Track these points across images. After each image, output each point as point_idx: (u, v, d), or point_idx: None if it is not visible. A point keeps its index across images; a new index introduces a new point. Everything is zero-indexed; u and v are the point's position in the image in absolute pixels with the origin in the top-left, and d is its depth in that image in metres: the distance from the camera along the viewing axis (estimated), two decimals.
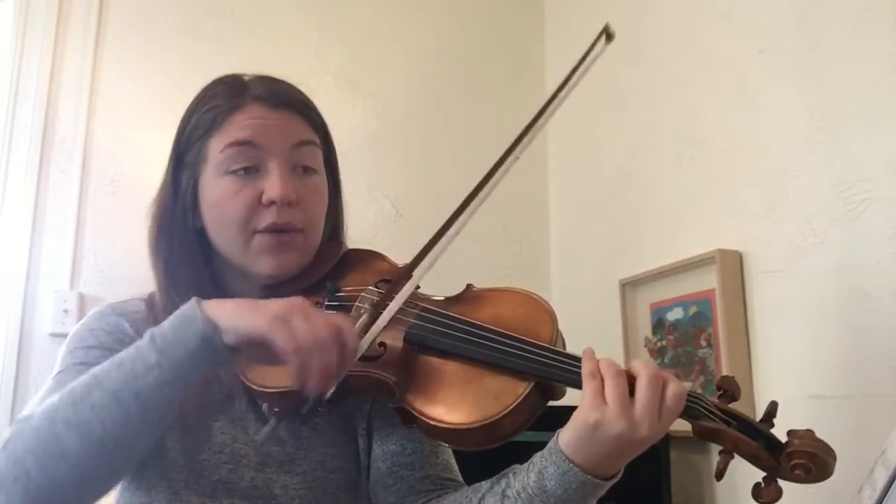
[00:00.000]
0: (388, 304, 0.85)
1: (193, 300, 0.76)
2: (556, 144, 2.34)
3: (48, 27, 1.94)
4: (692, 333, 1.60)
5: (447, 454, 0.97)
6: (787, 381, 1.37)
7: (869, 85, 1.27)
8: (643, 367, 0.76)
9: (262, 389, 0.87)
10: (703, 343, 1.56)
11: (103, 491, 0.78)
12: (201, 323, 0.74)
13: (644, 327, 1.77)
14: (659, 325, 1.72)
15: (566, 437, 0.77)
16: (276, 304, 0.75)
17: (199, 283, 0.92)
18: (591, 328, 1.89)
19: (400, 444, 0.94)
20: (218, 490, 0.87)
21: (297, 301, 0.76)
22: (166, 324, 0.76)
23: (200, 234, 0.96)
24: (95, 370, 0.76)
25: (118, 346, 0.83)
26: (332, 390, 0.76)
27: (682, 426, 1.67)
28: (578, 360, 0.79)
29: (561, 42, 2.38)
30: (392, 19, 2.31)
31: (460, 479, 0.95)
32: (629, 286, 1.82)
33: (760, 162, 1.49)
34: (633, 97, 1.94)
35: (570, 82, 0.87)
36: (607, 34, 0.90)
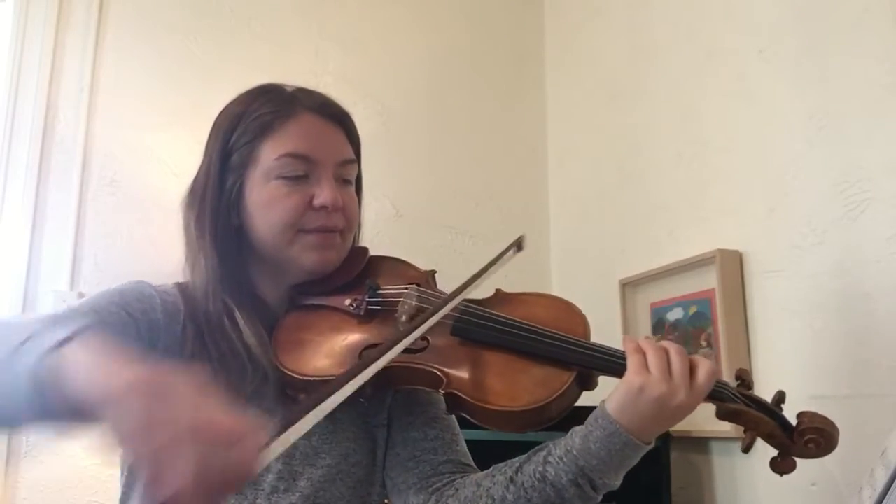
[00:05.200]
0: (423, 323, 0.86)
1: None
2: (556, 144, 2.35)
3: (48, 27, 1.93)
4: (692, 333, 1.60)
5: (464, 445, 1.01)
6: (787, 381, 1.37)
7: (869, 85, 1.27)
8: (671, 345, 0.86)
9: (304, 378, 0.91)
10: (703, 343, 1.56)
11: None
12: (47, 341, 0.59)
13: (644, 327, 1.77)
14: (659, 325, 1.72)
15: (612, 401, 0.84)
16: (142, 372, 0.55)
17: (237, 279, 0.98)
18: (592, 328, 1.88)
19: (422, 432, 0.98)
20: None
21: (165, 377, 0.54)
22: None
23: (239, 232, 0.99)
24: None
25: (139, 315, 0.88)
26: None
27: (681, 426, 1.67)
28: (614, 351, 0.89)
29: (561, 42, 2.38)
30: (392, 19, 2.31)
31: (477, 467, 0.99)
32: (629, 286, 1.82)
33: (760, 162, 1.49)
34: (634, 97, 1.94)
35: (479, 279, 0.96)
36: (518, 246, 1.05)
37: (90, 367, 0.56)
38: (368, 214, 2.09)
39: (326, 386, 0.67)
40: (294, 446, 0.91)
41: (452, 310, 0.92)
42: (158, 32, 2.05)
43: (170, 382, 0.53)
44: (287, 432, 0.60)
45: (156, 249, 1.86)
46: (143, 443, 0.50)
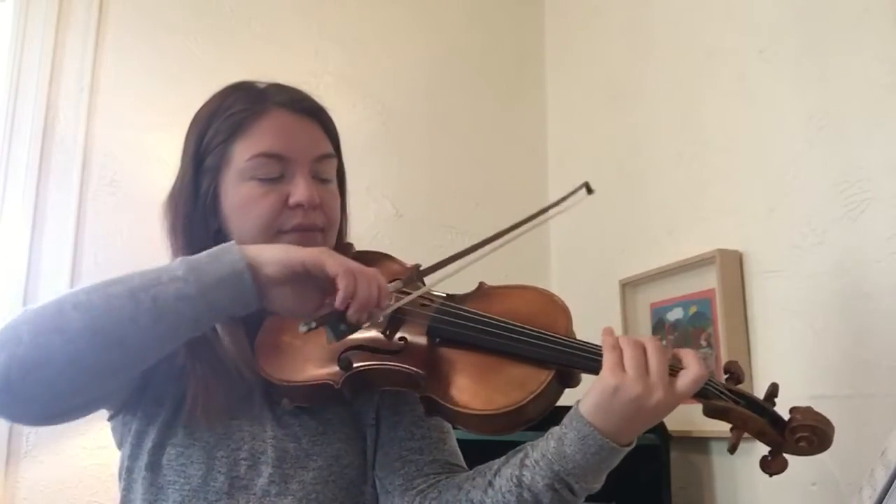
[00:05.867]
0: (403, 297, 0.87)
1: (231, 242, 0.80)
2: (556, 144, 2.35)
3: (48, 27, 1.94)
4: (692, 333, 1.60)
5: (454, 443, 1.00)
6: (787, 381, 1.36)
7: (869, 85, 1.27)
8: (649, 340, 0.83)
9: (284, 384, 0.90)
10: (703, 343, 1.56)
11: (81, 387, 0.75)
12: (237, 255, 0.77)
13: (644, 327, 1.77)
14: (659, 325, 1.72)
15: (586, 402, 0.82)
16: (316, 248, 0.82)
17: None
18: (591, 328, 1.88)
19: (409, 431, 0.97)
20: (235, 487, 0.89)
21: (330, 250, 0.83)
22: (203, 252, 0.78)
23: (217, 236, 0.97)
24: (121, 275, 0.78)
25: None
26: (364, 323, 0.80)
27: (682, 426, 1.66)
28: (594, 348, 0.85)
29: (561, 42, 2.38)
30: (392, 19, 2.31)
31: (466, 466, 0.98)
32: (629, 286, 1.82)
33: (760, 162, 1.49)
34: (634, 97, 1.94)
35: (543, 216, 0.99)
36: (588, 189, 1.03)
37: (277, 252, 0.79)
38: (368, 215, 2.13)
39: (428, 270, 0.88)
40: (284, 449, 0.91)
41: (428, 310, 0.90)
42: (158, 32, 2.05)
43: (331, 252, 0.81)
44: (401, 302, 0.85)
45: (156, 249, 1.85)
46: (343, 274, 0.77)
